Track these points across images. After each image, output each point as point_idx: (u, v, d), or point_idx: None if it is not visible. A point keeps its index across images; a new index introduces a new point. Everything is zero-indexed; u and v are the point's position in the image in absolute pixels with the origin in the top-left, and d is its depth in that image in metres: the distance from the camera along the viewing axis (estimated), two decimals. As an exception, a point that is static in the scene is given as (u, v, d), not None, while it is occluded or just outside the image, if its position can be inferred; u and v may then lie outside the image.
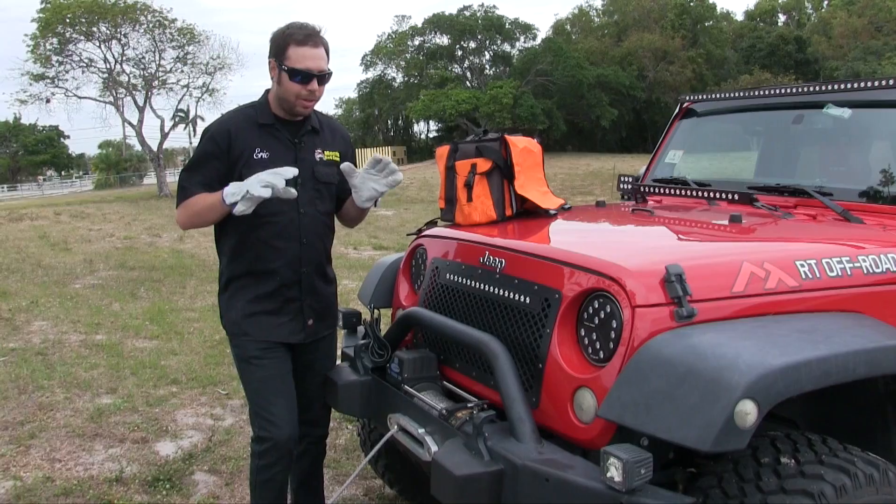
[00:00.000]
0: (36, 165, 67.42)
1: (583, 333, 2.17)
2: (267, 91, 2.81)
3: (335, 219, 2.97)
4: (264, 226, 2.69)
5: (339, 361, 3.07)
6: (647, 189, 3.66)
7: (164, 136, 31.82)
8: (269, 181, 2.47)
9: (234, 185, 2.54)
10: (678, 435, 1.77)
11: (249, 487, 2.90)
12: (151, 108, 31.39)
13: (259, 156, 2.69)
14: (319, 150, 2.83)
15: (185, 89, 32.43)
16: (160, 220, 19.37)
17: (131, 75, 31.25)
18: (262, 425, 2.76)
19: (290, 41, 2.65)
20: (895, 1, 52.97)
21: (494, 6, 57.74)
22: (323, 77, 2.69)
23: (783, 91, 3.48)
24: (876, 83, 3.09)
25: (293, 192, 2.54)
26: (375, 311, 3.06)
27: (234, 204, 2.51)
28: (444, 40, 58.01)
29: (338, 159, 2.86)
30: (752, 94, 3.63)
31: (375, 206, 2.86)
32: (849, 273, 2.24)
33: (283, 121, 2.77)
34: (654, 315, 1.99)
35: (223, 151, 2.69)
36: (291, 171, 2.54)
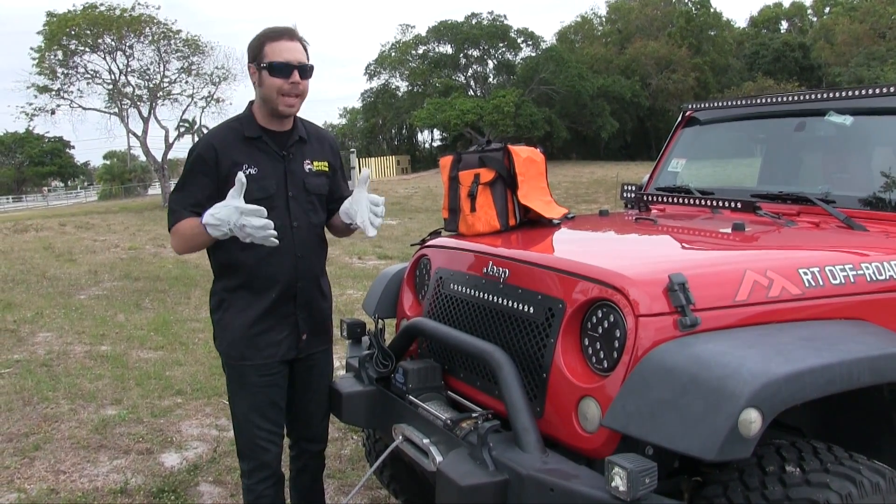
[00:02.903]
0: (41, 176, 67.67)
1: (587, 343, 2.17)
2: (251, 103, 2.74)
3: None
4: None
5: (342, 372, 3.06)
6: (650, 198, 3.67)
7: (168, 146, 31.93)
8: (261, 229, 2.38)
9: (212, 217, 2.41)
10: (682, 444, 1.77)
11: None
12: (156, 118, 31.57)
13: (247, 171, 2.58)
14: (308, 161, 2.75)
15: (190, 99, 32.59)
16: (164, 230, 19.33)
17: (136, 86, 31.42)
18: (249, 446, 2.74)
19: (265, 40, 2.62)
20: (895, 7, 52.99)
21: (504, 15, 57.84)
22: (304, 69, 2.63)
23: (785, 99, 3.48)
24: (878, 90, 3.10)
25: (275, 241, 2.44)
26: (380, 321, 3.07)
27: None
28: (447, 49, 58.14)
29: (326, 170, 2.81)
30: (754, 101, 3.64)
31: (351, 227, 2.77)
32: (852, 280, 2.24)
33: (270, 132, 2.68)
34: (658, 324, 1.99)
35: (211, 168, 2.60)
36: (262, 213, 2.41)
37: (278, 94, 2.60)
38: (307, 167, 2.75)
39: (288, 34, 2.63)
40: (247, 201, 2.50)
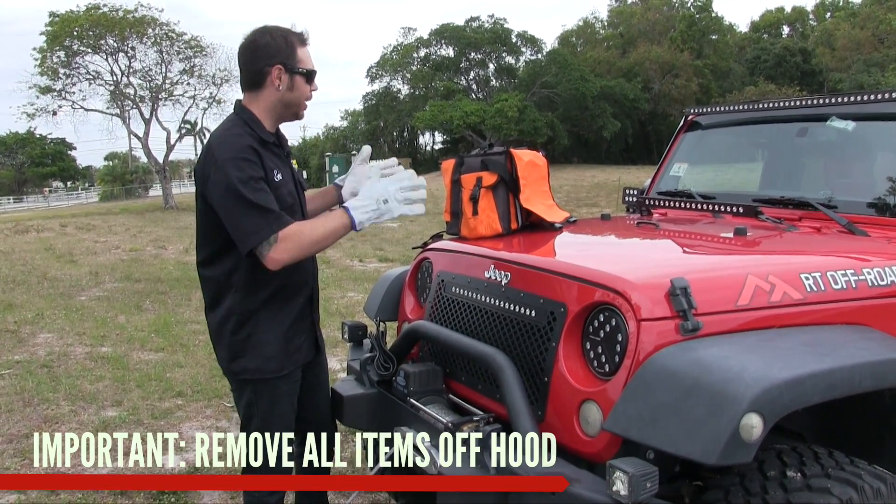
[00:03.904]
0: (42, 177, 67.78)
1: (588, 347, 2.17)
2: (242, 105, 2.58)
3: None
4: None
5: (343, 375, 3.06)
6: (652, 202, 3.67)
7: (169, 148, 31.94)
8: (417, 195, 2.46)
9: (361, 212, 2.42)
10: (684, 448, 1.77)
11: None
12: (157, 120, 31.56)
13: (278, 178, 2.50)
14: (291, 161, 2.75)
15: (192, 101, 32.59)
16: (166, 232, 19.41)
17: (138, 87, 31.43)
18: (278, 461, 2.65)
19: (295, 43, 2.52)
20: (895, 14, 53.08)
21: (504, 18, 57.99)
22: None
23: (787, 104, 3.49)
24: (879, 96, 3.10)
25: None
26: (381, 324, 3.06)
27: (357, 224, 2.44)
28: (449, 52, 58.23)
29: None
30: (756, 106, 3.64)
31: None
32: (853, 286, 2.25)
33: (274, 136, 2.62)
34: (660, 328, 1.99)
35: (262, 170, 2.44)
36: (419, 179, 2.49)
37: (305, 100, 2.59)
38: (294, 167, 2.76)
39: (307, 38, 2.59)
40: (281, 209, 2.45)
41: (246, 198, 2.35)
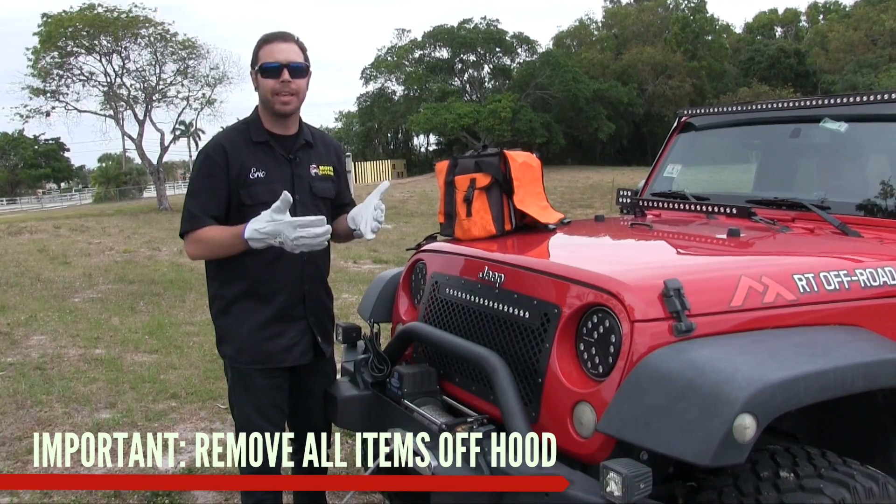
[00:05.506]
0: (35, 179, 67.57)
1: (582, 348, 2.17)
2: (257, 107, 2.79)
3: None
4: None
5: (338, 377, 3.06)
6: (645, 203, 3.68)
7: (163, 149, 31.83)
8: (319, 237, 2.45)
9: (257, 232, 2.46)
10: (677, 449, 1.77)
11: None
12: (151, 121, 31.41)
13: (255, 175, 2.65)
14: (314, 165, 2.80)
15: (186, 102, 32.46)
16: (160, 233, 19.36)
17: (132, 88, 31.29)
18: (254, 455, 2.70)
19: (261, 44, 2.69)
20: (888, 14, 53.35)
21: (497, 20, 58.04)
22: (295, 69, 2.65)
23: (780, 105, 3.49)
24: (872, 97, 3.11)
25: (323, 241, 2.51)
26: (375, 325, 3.06)
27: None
28: (443, 53, 58.25)
29: (332, 174, 2.86)
30: (749, 107, 3.65)
31: (354, 233, 2.84)
32: (846, 287, 2.25)
33: (277, 136, 2.73)
34: (653, 329, 1.99)
35: (222, 170, 2.64)
36: (321, 222, 2.48)
37: (272, 94, 2.66)
38: (314, 171, 2.79)
39: (282, 36, 2.69)
40: (255, 204, 2.57)
41: (190, 192, 2.69)
